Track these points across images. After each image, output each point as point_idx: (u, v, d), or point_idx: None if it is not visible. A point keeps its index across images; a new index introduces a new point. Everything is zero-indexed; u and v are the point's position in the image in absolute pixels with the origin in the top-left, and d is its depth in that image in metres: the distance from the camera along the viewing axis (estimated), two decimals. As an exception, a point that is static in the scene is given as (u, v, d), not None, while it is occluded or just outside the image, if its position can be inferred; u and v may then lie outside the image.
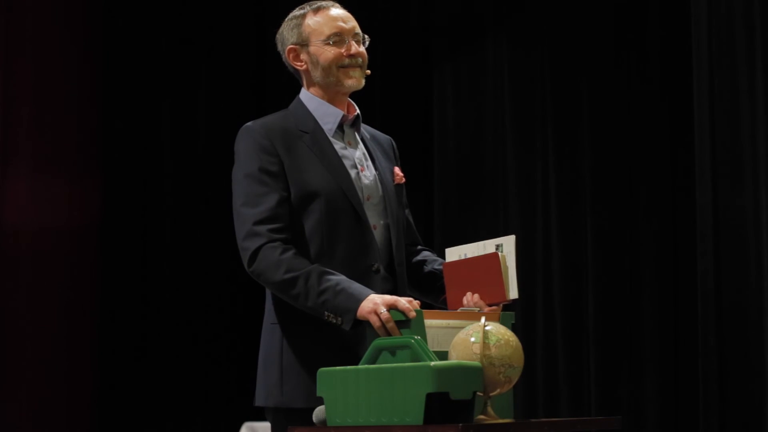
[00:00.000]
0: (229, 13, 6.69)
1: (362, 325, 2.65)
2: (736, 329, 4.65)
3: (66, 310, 6.25)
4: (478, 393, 2.36)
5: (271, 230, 2.76)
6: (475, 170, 5.77)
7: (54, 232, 6.22)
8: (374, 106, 5.83)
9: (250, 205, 2.80)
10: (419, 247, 3.12)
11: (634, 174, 5.25)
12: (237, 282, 6.58)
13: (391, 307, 2.58)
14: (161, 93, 6.58)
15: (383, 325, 2.57)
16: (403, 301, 2.57)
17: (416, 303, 2.59)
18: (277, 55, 3.04)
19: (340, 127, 2.96)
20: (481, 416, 2.41)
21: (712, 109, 4.74)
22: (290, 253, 2.74)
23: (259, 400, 2.89)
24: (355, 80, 2.93)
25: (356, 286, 2.68)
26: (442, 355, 2.41)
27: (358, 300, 2.64)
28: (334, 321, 2.68)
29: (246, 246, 2.78)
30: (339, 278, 2.71)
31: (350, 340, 2.74)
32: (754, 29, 4.69)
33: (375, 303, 2.60)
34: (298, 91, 3.02)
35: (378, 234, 2.89)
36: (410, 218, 3.12)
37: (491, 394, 2.40)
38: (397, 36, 6.11)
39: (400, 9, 6.18)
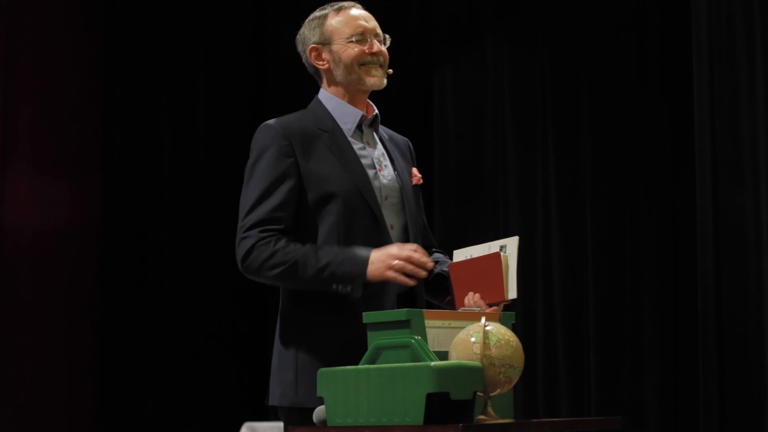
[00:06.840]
0: (228, 14, 6.68)
1: (371, 286, 2.68)
2: (736, 329, 4.65)
3: (66, 310, 6.25)
4: (479, 393, 2.36)
5: (263, 231, 2.76)
6: (475, 170, 5.77)
7: (54, 232, 6.22)
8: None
9: (253, 204, 2.80)
10: (433, 249, 3.11)
11: (634, 174, 5.25)
12: (237, 282, 6.58)
13: (401, 260, 2.64)
14: (161, 93, 6.58)
15: (404, 273, 2.65)
16: (418, 255, 2.64)
17: (428, 261, 2.68)
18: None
19: (359, 127, 2.96)
20: (482, 416, 2.41)
21: (712, 109, 4.74)
22: (282, 242, 2.74)
23: (274, 400, 2.86)
24: (377, 79, 2.95)
25: (354, 251, 2.71)
26: (442, 355, 2.41)
27: (364, 263, 2.67)
28: (344, 291, 2.69)
29: (239, 251, 2.78)
30: (335, 249, 2.72)
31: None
32: (754, 29, 4.69)
33: (383, 262, 2.66)
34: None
35: (395, 234, 2.88)
36: (425, 220, 3.12)
37: (491, 394, 2.40)
38: (397, 36, 6.09)
39: (400, 9, 6.18)
